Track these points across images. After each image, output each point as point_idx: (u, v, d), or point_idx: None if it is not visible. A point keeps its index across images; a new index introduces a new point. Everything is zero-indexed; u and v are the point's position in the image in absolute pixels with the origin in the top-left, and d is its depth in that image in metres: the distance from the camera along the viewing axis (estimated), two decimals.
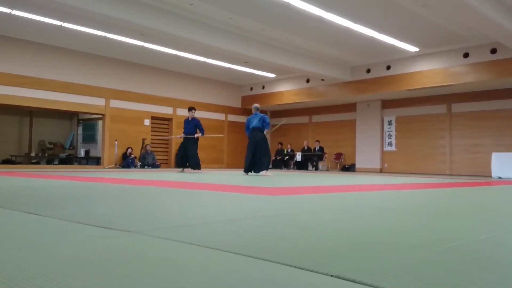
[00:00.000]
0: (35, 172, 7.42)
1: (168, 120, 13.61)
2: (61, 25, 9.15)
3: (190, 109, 9.10)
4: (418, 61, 11.20)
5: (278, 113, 16.46)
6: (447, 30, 9.19)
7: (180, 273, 0.96)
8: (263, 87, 15.11)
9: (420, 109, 12.71)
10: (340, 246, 1.32)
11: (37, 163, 12.97)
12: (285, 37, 10.02)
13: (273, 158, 15.80)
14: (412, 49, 10.58)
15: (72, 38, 10.27)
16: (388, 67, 11.82)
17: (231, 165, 14.98)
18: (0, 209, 2.12)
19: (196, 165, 8.85)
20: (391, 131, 13.22)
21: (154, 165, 12.35)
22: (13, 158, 12.83)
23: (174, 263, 1.07)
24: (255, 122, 7.89)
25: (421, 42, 10.11)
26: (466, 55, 10.40)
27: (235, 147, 15.08)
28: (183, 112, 12.71)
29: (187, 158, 8.88)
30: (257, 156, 7.85)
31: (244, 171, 8.04)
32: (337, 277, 0.94)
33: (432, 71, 10.97)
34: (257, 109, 8.11)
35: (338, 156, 14.40)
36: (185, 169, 9.12)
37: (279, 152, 15.39)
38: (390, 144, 13.22)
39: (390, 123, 13.27)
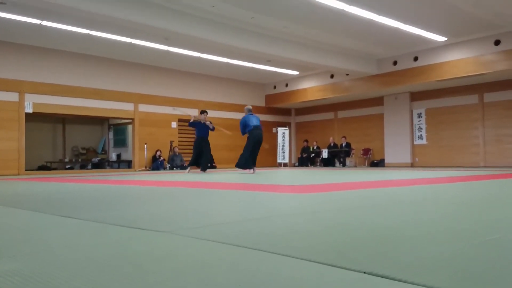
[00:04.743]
0: (69, 177, 7.68)
1: None
2: (88, 33, 9.42)
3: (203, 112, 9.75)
4: (447, 50, 10.86)
5: (302, 110, 16.36)
6: (476, 17, 8.86)
7: (210, 272, 0.97)
8: (287, 85, 15.04)
9: (451, 100, 12.32)
10: (372, 242, 1.29)
11: (71, 168, 13.39)
12: (307, 33, 9.94)
13: (298, 155, 15.74)
14: (440, 38, 10.26)
15: (100, 46, 10.54)
16: (416, 58, 11.52)
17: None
18: (37, 213, 2.21)
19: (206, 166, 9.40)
20: (421, 123, 12.88)
21: (182, 167, 12.53)
22: (48, 164, 13.31)
23: (204, 261, 1.08)
24: (256, 121, 8.51)
25: (449, 31, 9.80)
26: (497, 42, 10.00)
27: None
28: (208, 114, 12.85)
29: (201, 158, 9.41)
30: (255, 154, 8.46)
31: (249, 167, 8.32)
32: (370, 273, 0.92)
33: (462, 61, 10.61)
34: (250, 110, 8.80)
35: (366, 151, 14.16)
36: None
37: (305, 149, 15.27)
38: (420, 137, 12.88)
39: (419, 115, 12.92)
